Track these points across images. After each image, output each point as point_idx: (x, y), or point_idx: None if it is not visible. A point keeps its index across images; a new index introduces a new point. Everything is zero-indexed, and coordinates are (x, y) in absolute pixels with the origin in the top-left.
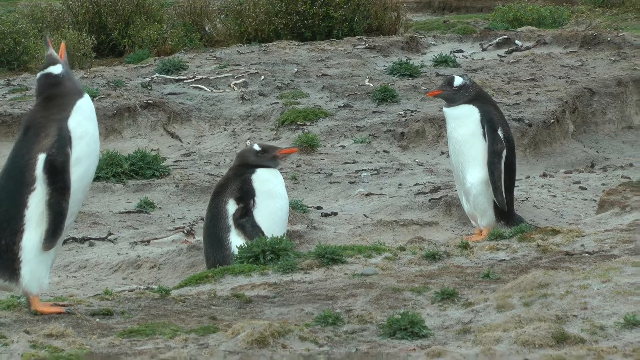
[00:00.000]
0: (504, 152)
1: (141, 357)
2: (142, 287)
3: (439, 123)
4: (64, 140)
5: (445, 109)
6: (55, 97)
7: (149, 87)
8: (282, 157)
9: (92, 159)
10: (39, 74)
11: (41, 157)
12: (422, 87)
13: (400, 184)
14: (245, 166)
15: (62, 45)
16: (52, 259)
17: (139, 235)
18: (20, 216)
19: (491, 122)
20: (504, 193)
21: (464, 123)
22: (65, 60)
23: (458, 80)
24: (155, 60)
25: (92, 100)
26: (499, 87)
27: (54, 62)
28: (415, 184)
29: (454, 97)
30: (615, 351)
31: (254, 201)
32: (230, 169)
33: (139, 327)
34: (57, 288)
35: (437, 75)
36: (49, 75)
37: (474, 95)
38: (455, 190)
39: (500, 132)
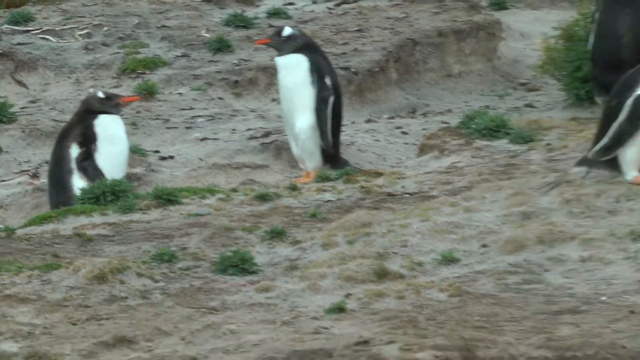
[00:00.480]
0: (331, 99)
1: None
2: None
3: (271, 72)
4: None
5: (276, 58)
6: None
7: None
8: (124, 105)
9: None
10: None
11: None
12: (256, 38)
13: (233, 129)
14: (88, 112)
15: None
16: None
17: None
18: None
19: (319, 70)
20: (330, 138)
21: (294, 71)
22: None
23: (287, 31)
24: (4, 12)
25: None
26: (327, 37)
27: None
28: (248, 129)
29: (283, 46)
30: (432, 286)
31: (95, 145)
32: (74, 115)
33: None
34: None
35: (270, 26)
36: None
37: (303, 44)
38: (286, 135)
39: (327, 80)
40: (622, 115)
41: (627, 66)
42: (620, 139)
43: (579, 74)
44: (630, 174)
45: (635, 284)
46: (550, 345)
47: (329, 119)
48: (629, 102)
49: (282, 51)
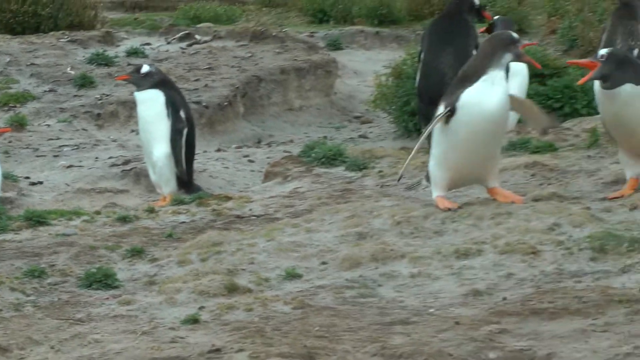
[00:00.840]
0: (185, 131)
1: None
2: None
3: (130, 105)
4: None
5: (135, 93)
6: None
7: None
8: None
9: None
10: None
11: None
12: (116, 74)
13: (96, 157)
14: None
15: None
16: None
17: None
18: None
19: (174, 104)
20: (184, 165)
21: (151, 105)
22: None
23: (145, 68)
24: None
25: None
26: (181, 74)
27: None
28: (110, 158)
29: (141, 82)
30: (278, 299)
31: None
32: None
33: None
34: None
35: (129, 64)
36: None
37: (159, 81)
38: (144, 163)
39: (181, 113)
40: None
41: None
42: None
43: (407, 108)
44: (434, 193)
45: (460, 297)
46: (384, 353)
47: (182, 148)
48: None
49: (140, 87)
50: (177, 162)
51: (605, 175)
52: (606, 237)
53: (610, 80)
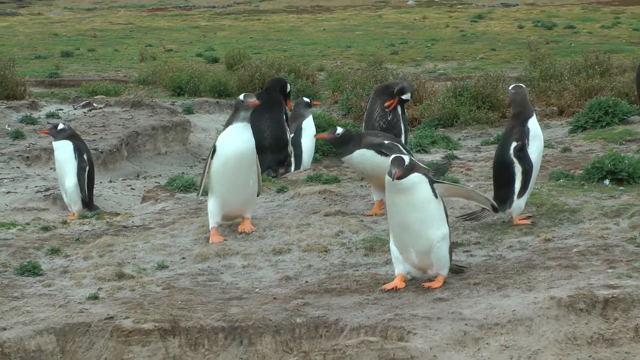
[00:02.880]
0: (87, 168)
1: None
2: None
3: (49, 151)
4: None
5: (53, 143)
6: None
7: None
8: None
9: None
10: None
11: None
12: (40, 129)
13: (27, 186)
14: None
15: None
16: None
17: None
18: None
19: (79, 150)
20: (87, 192)
21: (64, 151)
22: None
23: (60, 126)
24: None
25: None
26: (84, 130)
27: None
28: (35, 186)
29: (57, 135)
30: (152, 283)
31: None
32: None
33: None
34: None
35: (48, 123)
36: None
37: (70, 134)
38: (59, 190)
39: (85, 156)
40: None
41: (266, 151)
42: None
43: None
44: (210, 222)
45: (276, 281)
46: (225, 319)
47: (85, 180)
48: None
49: (56, 138)
50: (82, 190)
51: (372, 199)
52: (374, 240)
53: (343, 150)
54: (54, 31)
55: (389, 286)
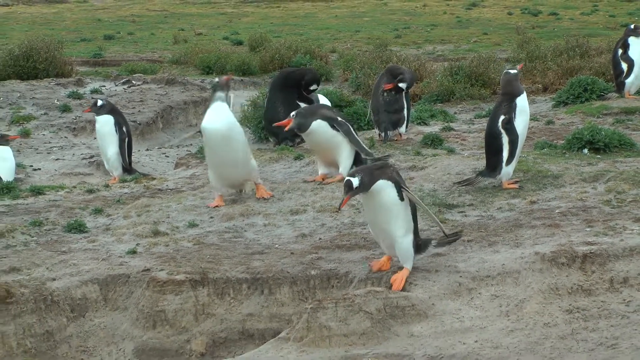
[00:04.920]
0: (127, 139)
1: None
2: None
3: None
4: None
5: (95, 117)
6: None
7: None
8: (11, 140)
9: None
10: None
11: None
12: (85, 103)
13: (73, 154)
14: None
15: None
16: None
17: None
18: None
19: (119, 123)
20: (127, 159)
21: (105, 124)
22: None
23: (99, 102)
24: None
25: None
26: (124, 104)
27: None
28: (81, 154)
29: (99, 111)
30: (184, 239)
31: None
32: None
33: None
34: None
35: (92, 98)
36: None
37: (110, 109)
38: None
39: (124, 128)
40: None
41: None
42: None
43: (260, 125)
44: (214, 193)
45: (293, 238)
46: (248, 271)
47: (125, 149)
48: None
49: (98, 114)
50: (123, 158)
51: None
52: None
53: (301, 126)
54: (97, 17)
55: (376, 267)
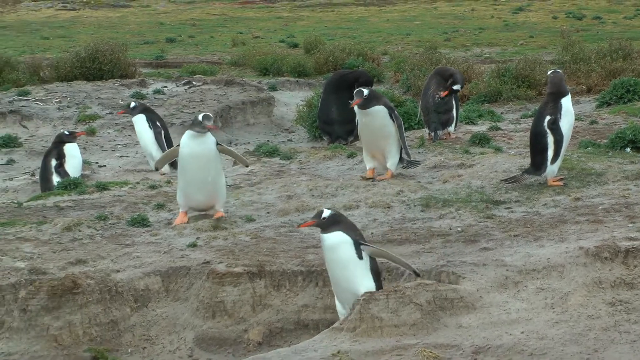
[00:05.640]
0: (162, 132)
1: (7, 235)
2: (8, 201)
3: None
4: None
5: (132, 119)
6: None
7: (12, 102)
8: (78, 137)
9: None
10: None
11: None
12: (148, 103)
13: (136, 152)
14: (60, 142)
15: None
16: None
17: (7, 175)
18: None
19: (152, 120)
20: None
21: (140, 124)
22: None
23: (132, 104)
24: (14, 89)
25: None
26: (185, 104)
27: None
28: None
29: (132, 112)
30: (242, 233)
31: (64, 159)
32: (52, 143)
33: (7, 221)
34: None
35: (155, 98)
36: None
37: (142, 109)
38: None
39: (158, 123)
40: None
41: (335, 124)
42: None
43: (314, 124)
44: (180, 208)
45: None
46: (303, 264)
47: (164, 142)
48: None
49: (132, 114)
50: (163, 151)
51: (428, 163)
52: (430, 198)
53: (365, 104)
54: (159, 21)
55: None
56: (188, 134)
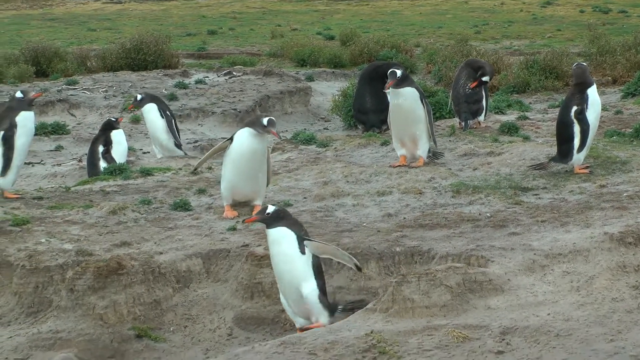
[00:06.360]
0: (173, 120)
1: (55, 218)
2: (56, 186)
3: (198, 110)
4: None
5: (142, 110)
6: None
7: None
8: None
9: None
10: None
11: None
12: (190, 93)
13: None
14: (108, 128)
15: None
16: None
17: (56, 161)
18: None
19: (163, 109)
20: (178, 139)
21: (149, 112)
22: None
23: (139, 96)
24: (63, 78)
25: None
26: (225, 94)
27: None
28: (186, 138)
29: (140, 103)
30: None
31: (111, 146)
32: (99, 130)
33: (55, 204)
34: (17, 187)
35: (197, 87)
36: None
37: (151, 99)
38: (208, 141)
39: (167, 112)
40: None
41: (369, 113)
42: None
43: (349, 113)
44: (223, 202)
45: (380, 217)
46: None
47: (174, 129)
48: None
49: (141, 105)
50: (175, 137)
51: (459, 151)
52: (460, 185)
53: (398, 84)
54: (201, 13)
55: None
56: (248, 131)
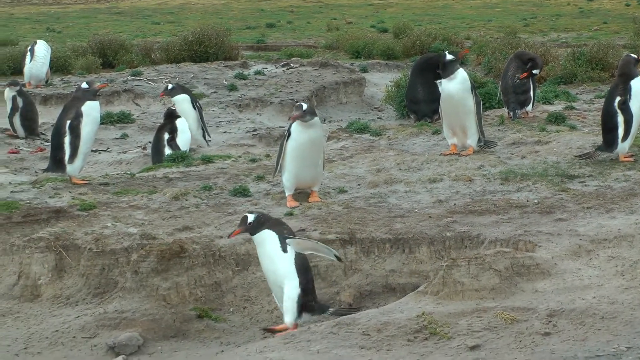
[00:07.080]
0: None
1: (121, 203)
2: (122, 172)
3: (257, 100)
4: None
5: (173, 99)
6: None
7: (126, 82)
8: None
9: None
10: None
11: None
12: (249, 83)
13: (239, 128)
14: (171, 117)
15: None
16: (84, 160)
17: (121, 149)
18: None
19: (193, 100)
20: (206, 130)
21: (182, 102)
22: None
23: (170, 86)
24: (129, 70)
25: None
26: (283, 84)
27: None
28: (245, 128)
29: (172, 93)
30: (334, 203)
31: (176, 134)
32: (163, 119)
33: (121, 190)
34: (84, 173)
35: (256, 78)
36: None
37: (182, 89)
38: (266, 130)
39: (197, 104)
40: None
41: (421, 103)
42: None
43: (402, 103)
44: (286, 192)
45: (431, 203)
46: (391, 232)
47: (206, 126)
48: None
49: (172, 95)
50: (204, 127)
51: (507, 140)
52: (509, 172)
53: (450, 68)
54: (260, 7)
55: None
56: (299, 124)
